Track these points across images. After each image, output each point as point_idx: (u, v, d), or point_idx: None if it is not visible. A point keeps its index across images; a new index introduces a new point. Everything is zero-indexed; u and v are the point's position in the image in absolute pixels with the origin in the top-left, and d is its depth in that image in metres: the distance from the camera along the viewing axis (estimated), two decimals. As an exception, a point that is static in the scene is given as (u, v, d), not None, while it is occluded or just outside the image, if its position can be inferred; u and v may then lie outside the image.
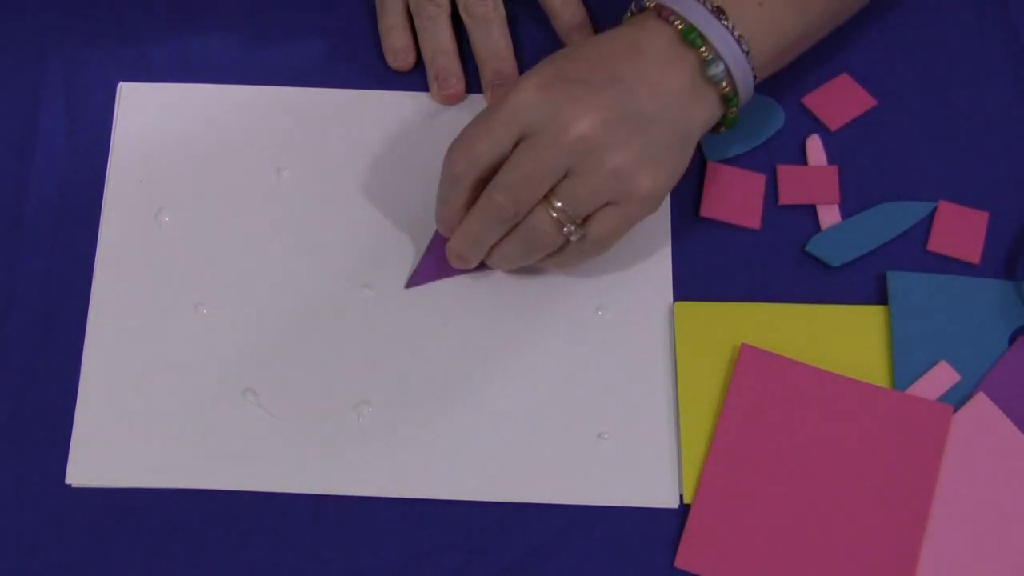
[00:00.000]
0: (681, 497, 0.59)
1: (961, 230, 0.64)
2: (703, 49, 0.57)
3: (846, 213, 0.65)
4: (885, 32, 0.70)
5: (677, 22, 0.57)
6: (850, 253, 0.64)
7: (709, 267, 0.64)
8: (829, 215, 0.65)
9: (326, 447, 0.60)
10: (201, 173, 0.66)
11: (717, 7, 0.58)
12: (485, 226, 0.58)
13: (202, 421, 0.61)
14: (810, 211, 0.65)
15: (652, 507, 0.59)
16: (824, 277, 0.64)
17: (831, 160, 0.66)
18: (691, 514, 0.59)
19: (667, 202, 0.65)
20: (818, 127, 0.67)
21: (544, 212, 0.57)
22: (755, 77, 0.59)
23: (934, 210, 0.65)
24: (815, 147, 0.67)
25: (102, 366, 0.62)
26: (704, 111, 0.59)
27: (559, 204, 0.56)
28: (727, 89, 0.58)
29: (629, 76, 0.56)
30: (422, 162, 0.66)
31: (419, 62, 0.68)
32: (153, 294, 0.63)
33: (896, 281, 0.63)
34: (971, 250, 0.64)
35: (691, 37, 0.57)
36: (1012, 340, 0.62)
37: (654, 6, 0.59)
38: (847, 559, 0.58)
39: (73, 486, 0.59)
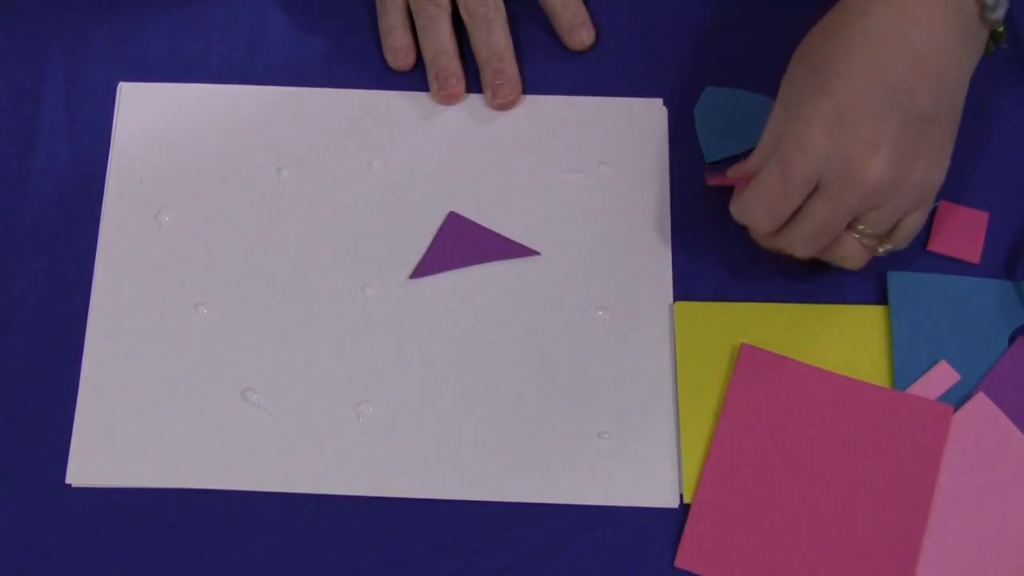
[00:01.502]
0: (681, 497, 0.59)
1: (961, 230, 0.64)
2: None
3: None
4: (885, 32, 0.70)
5: None
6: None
7: (709, 267, 0.64)
8: (829, 215, 0.65)
9: (326, 447, 0.60)
10: (201, 173, 0.66)
11: None
12: (798, 252, 0.59)
13: (202, 421, 0.61)
14: (810, 211, 0.65)
15: (652, 507, 0.59)
16: (824, 277, 0.64)
17: (831, 160, 0.66)
18: (691, 514, 0.59)
19: (667, 207, 0.65)
20: (818, 127, 0.67)
21: (850, 241, 0.58)
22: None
23: (934, 210, 0.65)
24: (815, 147, 0.66)
25: (102, 366, 0.62)
26: (974, 57, 0.57)
27: (865, 230, 0.57)
28: (1001, 27, 0.56)
29: (907, 74, 0.54)
30: (422, 162, 0.66)
31: (419, 62, 0.68)
32: (153, 294, 0.63)
33: (896, 281, 0.63)
34: (971, 250, 0.64)
35: None
36: (1012, 340, 0.62)
37: None
38: (847, 559, 0.58)
39: (73, 486, 0.59)
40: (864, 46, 0.55)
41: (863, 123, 0.54)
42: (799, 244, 0.58)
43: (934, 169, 0.57)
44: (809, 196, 0.56)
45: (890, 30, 0.55)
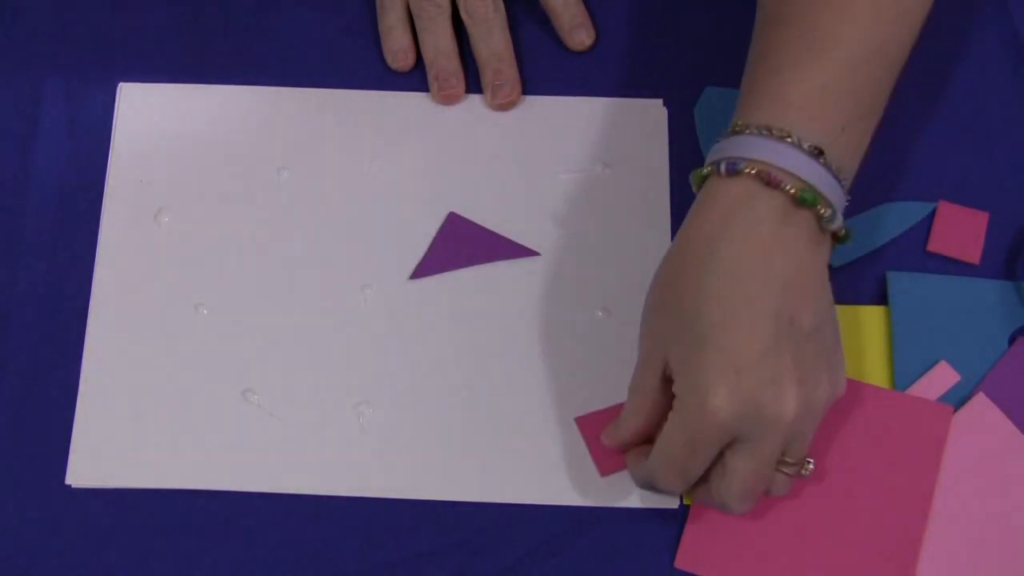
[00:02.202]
0: (681, 498, 0.59)
1: (961, 230, 0.64)
2: (819, 207, 0.53)
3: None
4: (885, 32, 0.70)
5: (790, 187, 0.52)
6: (850, 254, 0.64)
7: (709, 267, 0.64)
8: (829, 215, 0.65)
9: (326, 447, 0.60)
10: (201, 173, 0.66)
11: (815, 147, 0.53)
12: (734, 509, 0.55)
13: (202, 421, 0.61)
14: (810, 211, 0.65)
15: (652, 508, 0.59)
16: (824, 277, 0.64)
17: (831, 160, 0.66)
18: (691, 514, 0.59)
19: (667, 208, 0.65)
20: (818, 127, 0.67)
21: (780, 477, 0.55)
22: (848, 201, 0.56)
23: (934, 210, 0.65)
24: (815, 147, 0.66)
25: (102, 366, 0.62)
26: (827, 259, 0.55)
27: (790, 461, 0.54)
28: (841, 230, 0.55)
29: (778, 299, 0.52)
30: (422, 162, 0.66)
31: (419, 62, 0.68)
32: (153, 294, 0.63)
33: (896, 281, 0.63)
34: (971, 250, 0.64)
35: (809, 199, 0.53)
36: (1012, 340, 0.62)
37: (756, 172, 0.52)
38: (847, 559, 0.58)
39: (73, 486, 0.59)
40: (729, 287, 0.52)
41: (760, 367, 0.51)
42: (735, 503, 0.54)
43: (835, 374, 0.55)
44: (725, 450, 0.53)
45: (748, 264, 0.52)
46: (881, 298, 0.63)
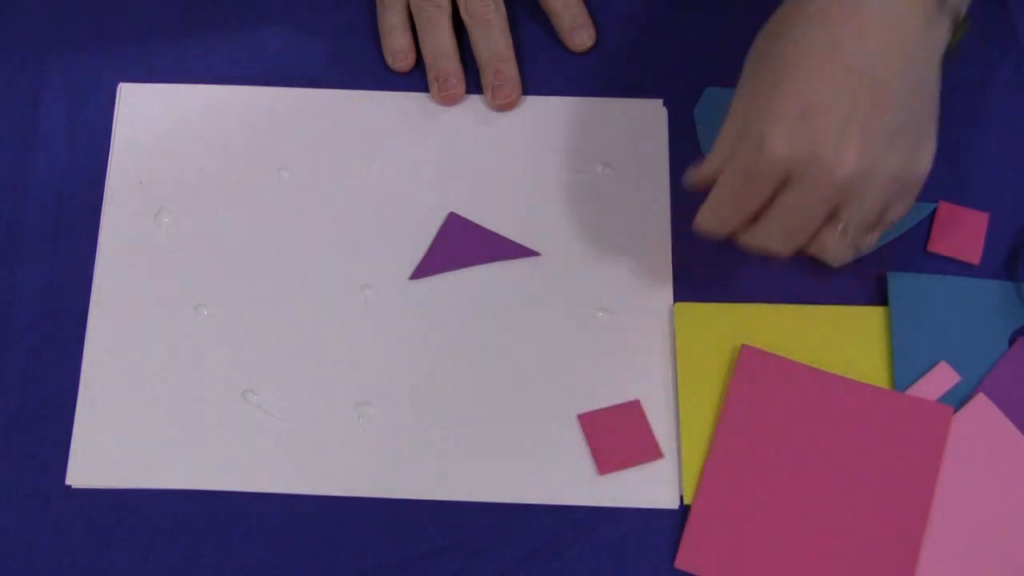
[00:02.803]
0: (681, 498, 0.59)
1: (961, 231, 0.64)
2: None
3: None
4: (885, 32, 0.70)
5: None
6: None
7: (709, 267, 0.64)
8: (829, 216, 0.65)
9: (326, 447, 0.60)
10: (201, 173, 0.66)
11: None
12: (774, 249, 0.56)
13: (202, 422, 0.61)
14: (810, 212, 0.65)
15: (652, 508, 0.59)
16: (824, 278, 0.64)
17: (831, 160, 0.66)
18: (691, 515, 0.59)
19: (667, 208, 0.65)
20: (818, 127, 0.67)
21: (831, 235, 0.56)
22: None
23: (934, 211, 0.65)
24: (815, 147, 0.66)
25: (102, 366, 0.62)
26: (940, 44, 0.55)
27: (846, 227, 0.55)
28: (961, 16, 0.55)
29: (869, 59, 0.52)
30: (422, 163, 0.66)
31: (419, 62, 0.68)
32: (153, 295, 0.63)
33: (896, 282, 0.63)
34: (971, 251, 0.64)
35: None
36: (1012, 341, 0.62)
37: None
38: (847, 559, 0.58)
39: (73, 487, 0.59)
40: (822, 32, 0.53)
41: (828, 114, 0.52)
42: (776, 240, 0.56)
43: (914, 156, 0.55)
44: (779, 194, 0.54)
45: (847, 21, 0.52)
46: (881, 298, 0.63)
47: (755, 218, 0.56)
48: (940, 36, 0.55)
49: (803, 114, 0.52)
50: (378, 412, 0.61)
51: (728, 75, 0.68)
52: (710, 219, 0.56)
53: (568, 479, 0.60)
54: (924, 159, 0.55)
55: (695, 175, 0.57)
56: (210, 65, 0.68)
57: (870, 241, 0.58)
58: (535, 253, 0.64)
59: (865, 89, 0.52)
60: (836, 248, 0.56)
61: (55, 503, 0.59)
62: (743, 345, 0.62)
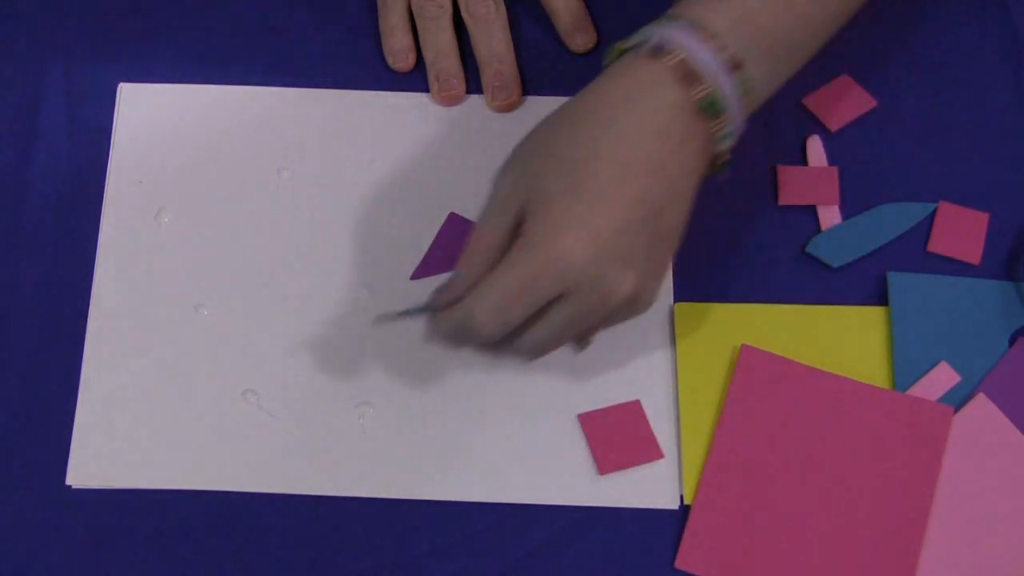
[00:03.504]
0: (681, 498, 0.59)
1: (961, 231, 0.64)
2: (719, 120, 0.53)
3: (846, 214, 0.65)
4: (885, 32, 0.70)
5: (703, 89, 0.52)
6: (850, 254, 0.64)
7: (709, 267, 0.64)
8: (829, 216, 0.65)
9: (326, 448, 0.60)
10: (201, 173, 0.66)
11: (736, 59, 0.53)
12: (522, 356, 0.56)
13: (202, 422, 0.61)
14: (810, 211, 0.65)
15: (652, 508, 0.59)
16: (824, 278, 0.64)
17: (831, 161, 0.66)
18: (691, 515, 0.59)
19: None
20: (818, 128, 0.67)
21: (578, 343, 0.56)
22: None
23: (934, 211, 0.65)
24: (815, 148, 0.67)
25: (102, 366, 0.62)
26: (701, 174, 0.55)
27: (594, 336, 0.56)
28: (728, 155, 0.55)
29: (655, 189, 0.52)
30: (422, 163, 0.66)
31: (420, 63, 0.68)
32: (153, 295, 0.63)
33: (896, 282, 0.63)
34: (971, 251, 0.64)
35: (713, 110, 0.53)
36: (1012, 341, 0.62)
37: (676, 63, 0.52)
38: (847, 559, 0.58)
39: (73, 487, 0.59)
40: (623, 154, 0.52)
41: (620, 238, 0.51)
42: (528, 349, 0.54)
43: (657, 286, 0.55)
44: (549, 308, 0.53)
45: (644, 143, 0.52)
46: (881, 298, 0.63)
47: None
48: (702, 171, 0.55)
49: (598, 232, 0.51)
50: (378, 412, 0.61)
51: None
52: (480, 325, 0.53)
53: (568, 479, 0.60)
54: (658, 291, 0.55)
55: (454, 285, 0.54)
56: (210, 65, 0.68)
57: (589, 343, 0.57)
58: (535, 253, 0.64)
59: (649, 223, 0.52)
60: (553, 348, 0.56)
61: (55, 503, 0.59)
62: (743, 345, 0.62)
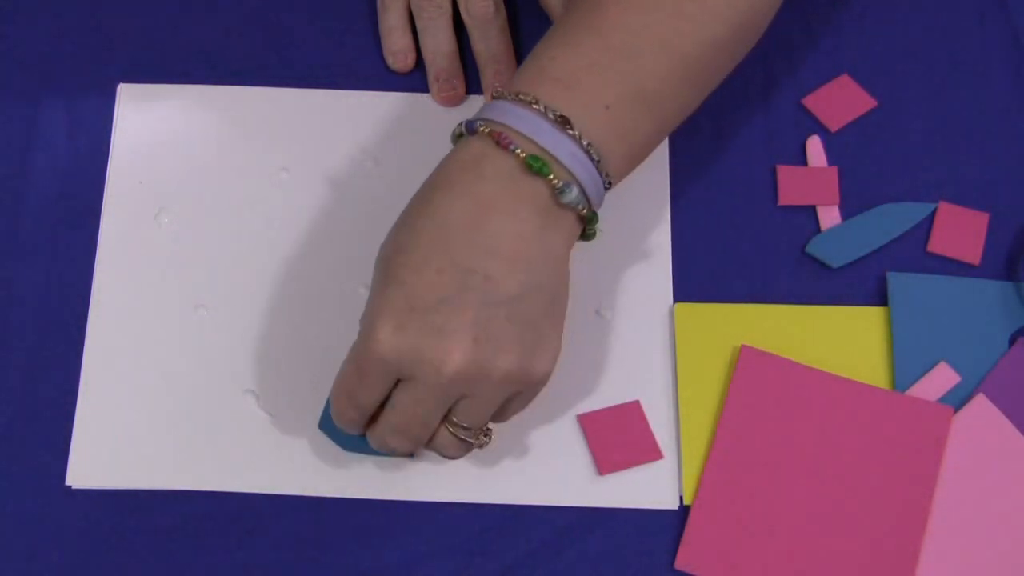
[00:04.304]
0: (681, 498, 0.59)
1: (961, 231, 0.64)
2: (552, 177, 0.51)
3: (846, 214, 0.65)
4: (885, 32, 0.70)
5: (519, 151, 0.51)
6: (850, 254, 0.64)
7: (709, 267, 0.64)
8: (829, 216, 0.65)
9: (326, 448, 0.60)
10: (201, 173, 0.66)
11: (560, 116, 0.52)
12: (392, 446, 0.55)
13: (202, 422, 0.61)
14: (810, 212, 0.65)
15: (652, 508, 0.59)
16: (824, 278, 0.64)
17: (831, 161, 0.66)
18: (691, 515, 0.59)
19: (667, 207, 0.65)
20: (818, 128, 0.67)
21: (446, 435, 0.54)
22: (608, 185, 0.54)
23: (934, 211, 0.65)
24: (815, 148, 0.67)
25: (102, 367, 0.62)
26: (565, 239, 0.54)
27: (458, 421, 0.53)
28: (584, 210, 0.53)
29: (480, 257, 0.51)
30: (422, 163, 0.66)
31: (419, 63, 0.68)
32: (153, 295, 0.63)
33: (896, 282, 0.63)
34: (971, 251, 0.64)
35: (537, 166, 0.51)
36: (1012, 341, 0.62)
37: (489, 132, 0.52)
38: (847, 560, 0.58)
39: (73, 487, 0.59)
40: (431, 232, 0.52)
41: (435, 312, 0.50)
42: (391, 437, 0.54)
43: (530, 357, 0.52)
44: (395, 392, 0.53)
45: (459, 217, 0.52)
46: (881, 298, 0.63)
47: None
48: (567, 232, 0.54)
49: (410, 312, 0.51)
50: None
51: (727, 75, 0.68)
52: (336, 416, 0.55)
53: (568, 479, 0.60)
54: (542, 361, 0.53)
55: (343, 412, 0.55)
56: (210, 65, 0.68)
57: (479, 444, 0.55)
58: (535, 253, 0.64)
59: (474, 291, 0.51)
60: (450, 445, 0.55)
61: (55, 503, 0.59)
62: (743, 345, 0.62)
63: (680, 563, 0.58)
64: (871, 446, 0.60)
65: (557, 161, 0.52)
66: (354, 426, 0.55)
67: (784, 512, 0.59)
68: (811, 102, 0.68)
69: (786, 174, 0.66)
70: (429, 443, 0.55)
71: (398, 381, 0.53)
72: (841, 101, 0.68)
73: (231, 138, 0.67)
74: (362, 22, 0.69)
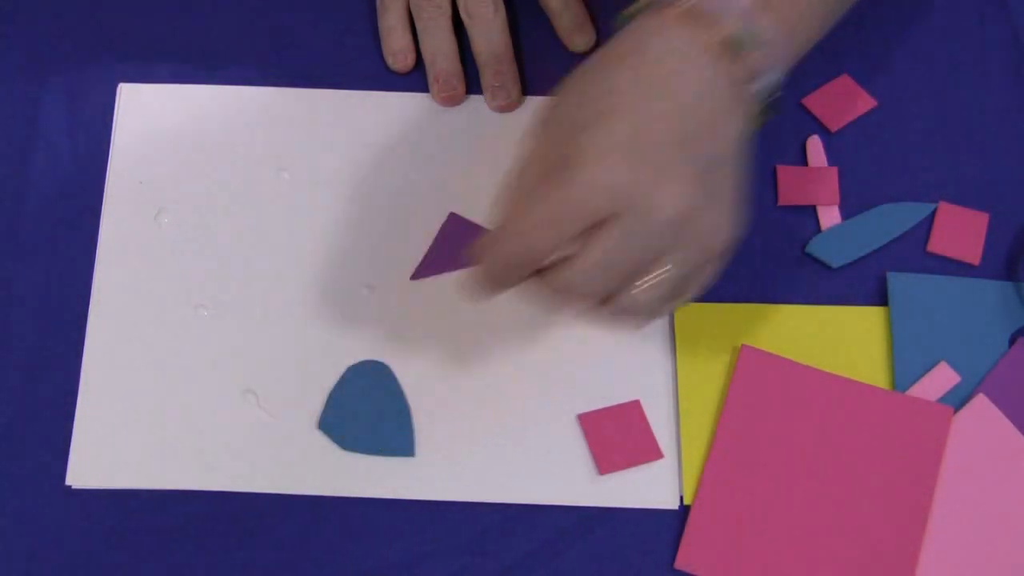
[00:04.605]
0: (681, 498, 0.59)
1: (961, 231, 0.64)
2: (753, 55, 0.51)
3: (846, 214, 0.65)
4: (885, 32, 0.70)
5: (724, 26, 0.51)
6: (850, 254, 0.64)
7: (709, 267, 0.64)
8: (829, 216, 0.65)
9: (326, 448, 0.60)
10: (201, 174, 0.66)
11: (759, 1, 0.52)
12: (575, 293, 0.51)
13: (202, 422, 0.61)
14: (810, 212, 0.65)
15: (652, 508, 0.59)
16: (824, 278, 0.64)
17: (831, 161, 0.66)
18: (691, 515, 0.59)
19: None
20: (818, 128, 0.67)
21: (646, 295, 0.51)
22: (783, 78, 0.54)
23: (934, 211, 0.65)
24: (815, 148, 0.67)
25: (102, 366, 0.62)
26: (745, 118, 0.53)
27: (654, 278, 0.50)
28: (770, 99, 0.53)
29: (683, 122, 0.50)
30: (422, 163, 0.66)
31: (419, 63, 0.68)
32: (153, 295, 0.63)
33: (896, 282, 0.63)
34: (971, 251, 0.64)
35: (743, 41, 0.51)
36: (1012, 341, 0.62)
37: (691, 6, 0.51)
38: (847, 560, 0.58)
39: (73, 487, 0.59)
40: (640, 87, 0.50)
41: (659, 152, 0.49)
42: (584, 282, 0.50)
43: (724, 219, 0.52)
44: (595, 232, 0.49)
45: (663, 76, 0.50)
46: (881, 298, 0.63)
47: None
48: (748, 113, 0.53)
49: (629, 152, 0.49)
50: (378, 412, 0.61)
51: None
52: (519, 247, 0.50)
53: (568, 479, 0.60)
54: (730, 226, 0.52)
55: (492, 242, 0.52)
56: (210, 65, 0.68)
57: (670, 307, 0.53)
58: (535, 253, 0.64)
59: (693, 143, 0.50)
60: (646, 304, 0.51)
61: (55, 503, 0.59)
62: (743, 345, 0.62)
63: (680, 563, 0.58)
64: (871, 446, 0.60)
65: (757, 39, 0.51)
66: (533, 263, 0.50)
67: (784, 512, 0.59)
68: (811, 102, 0.68)
69: (786, 174, 0.66)
70: (616, 302, 0.51)
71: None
72: (841, 101, 0.68)
73: (231, 138, 0.67)
74: (362, 22, 0.70)
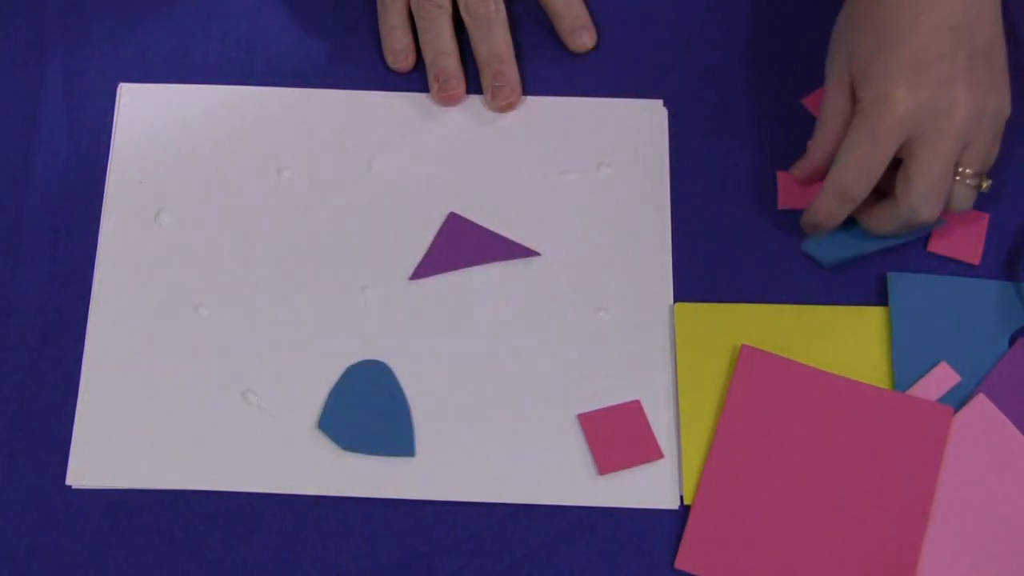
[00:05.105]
0: (681, 498, 0.59)
1: (961, 231, 0.64)
2: None
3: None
4: (885, 32, 0.70)
5: None
6: (850, 253, 0.63)
7: (709, 267, 0.64)
8: (829, 216, 0.65)
9: (326, 448, 0.60)
10: (201, 173, 0.66)
11: None
12: (924, 214, 0.59)
13: (202, 422, 0.61)
14: (810, 212, 0.65)
15: (652, 508, 0.59)
16: (824, 278, 0.64)
17: (831, 161, 0.66)
18: (691, 515, 0.59)
19: (667, 208, 0.65)
20: (818, 128, 0.67)
21: (959, 186, 0.60)
22: None
23: (934, 211, 0.65)
24: (815, 148, 0.66)
25: (102, 366, 0.62)
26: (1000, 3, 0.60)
27: (966, 171, 0.59)
28: None
29: (961, 14, 0.58)
30: (422, 162, 0.66)
31: (419, 63, 0.68)
32: (153, 294, 0.63)
33: (896, 282, 0.63)
34: (971, 251, 0.64)
35: None
36: (1012, 341, 0.62)
37: None
38: (847, 560, 0.58)
39: (73, 487, 0.59)
40: (912, 5, 0.58)
41: (938, 66, 0.57)
42: (921, 202, 0.58)
43: (1002, 96, 0.60)
44: (907, 157, 0.58)
45: None
46: (881, 298, 0.63)
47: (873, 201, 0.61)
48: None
49: (917, 71, 0.57)
50: (378, 412, 0.61)
51: (728, 75, 0.68)
52: (844, 178, 0.59)
53: (568, 479, 0.60)
54: (1008, 98, 0.60)
55: (805, 165, 0.63)
56: (210, 65, 0.68)
57: (985, 186, 0.61)
58: (535, 253, 0.64)
59: (963, 45, 0.58)
60: (965, 197, 0.60)
61: (55, 503, 0.59)
62: (743, 345, 0.62)
63: (680, 563, 0.58)
64: (871, 446, 0.60)
65: None
66: (853, 202, 0.60)
67: (784, 512, 0.59)
68: (811, 102, 0.68)
69: (786, 176, 0.66)
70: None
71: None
72: (841, 101, 0.68)
73: (231, 138, 0.67)
74: (362, 22, 0.69)
